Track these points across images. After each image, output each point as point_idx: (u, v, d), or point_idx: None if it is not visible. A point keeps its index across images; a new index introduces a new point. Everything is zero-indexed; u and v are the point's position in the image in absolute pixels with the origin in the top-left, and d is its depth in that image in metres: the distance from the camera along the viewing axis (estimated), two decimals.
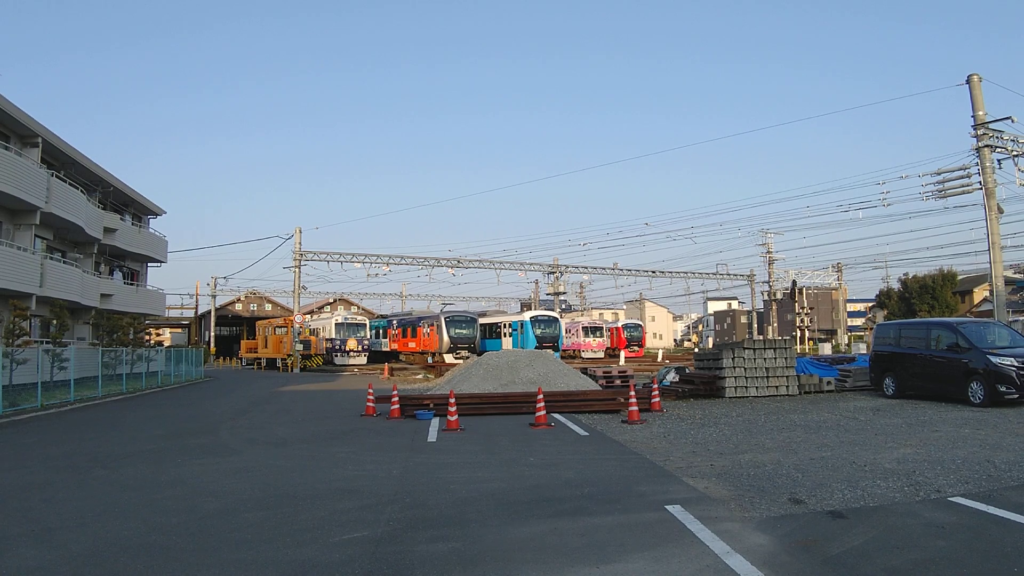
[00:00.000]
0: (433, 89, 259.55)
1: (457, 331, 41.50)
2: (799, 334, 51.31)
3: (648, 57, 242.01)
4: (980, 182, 22.82)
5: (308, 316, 53.83)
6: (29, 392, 17.42)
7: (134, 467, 8.75)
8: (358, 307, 77.75)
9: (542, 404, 12.28)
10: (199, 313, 66.41)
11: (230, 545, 5.23)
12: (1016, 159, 22.90)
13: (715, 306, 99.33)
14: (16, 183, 21.14)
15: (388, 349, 48.40)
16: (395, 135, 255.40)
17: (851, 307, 70.63)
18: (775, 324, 62.05)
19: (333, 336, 42.84)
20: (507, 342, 43.44)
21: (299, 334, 40.29)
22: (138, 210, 35.99)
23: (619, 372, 20.58)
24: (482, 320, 46.09)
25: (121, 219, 32.55)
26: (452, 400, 12.27)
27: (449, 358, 39.40)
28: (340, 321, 44.67)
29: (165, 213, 38.02)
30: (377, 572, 4.55)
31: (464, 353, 39.81)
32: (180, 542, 5.32)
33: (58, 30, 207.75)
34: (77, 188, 25.90)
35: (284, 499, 6.76)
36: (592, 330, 50.65)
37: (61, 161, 26.30)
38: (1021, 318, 37.52)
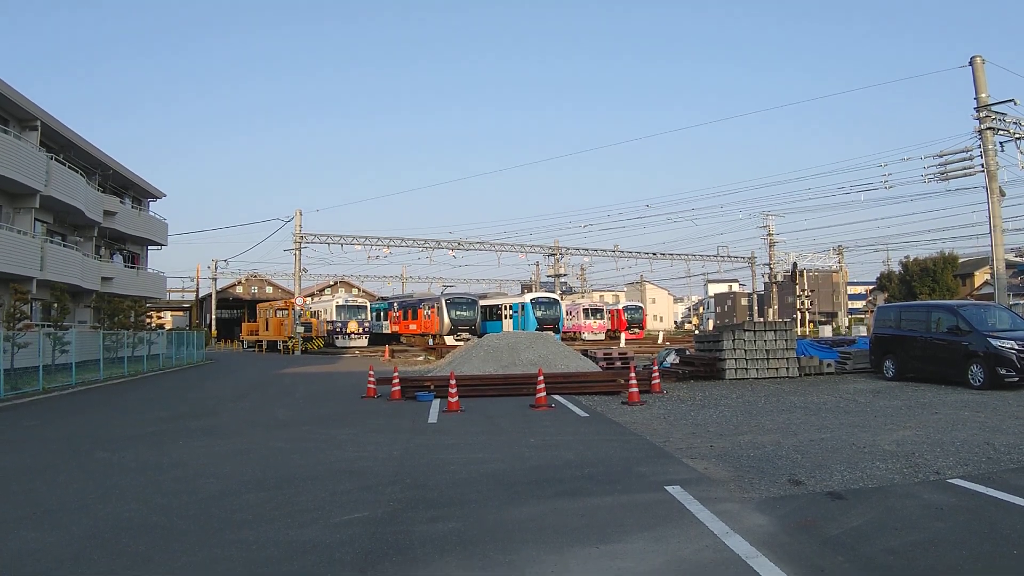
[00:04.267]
0: (433, 71, 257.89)
1: (458, 313, 41.53)
2: (799, 316, 51.29)
3: (646, 38, 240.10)
4: (982, 165, 22.70)
5: (309, 298, 53.84)
6: (31, 375, 17.47)
7: (135, 449, 8.78)
8: (359, 289, 77.69)
9: (542, 386, 12.29)
10: (200, 296, 66.53)
11: (231, 526, 5.25)
12: (1018, 142, 22.73)
13: (716, 288, 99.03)
14: (16, 167, 21.05)
15: (389, 331, 48.46)
16: (396, 116, 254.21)
17: (852, 290, 70.68)
18: (776, 306, 62.03)
19: (334, 318, 42.90)
20: (508, 324, 43.49)
21: (300, 316, 40.37)
22: (138, 193, 35.86)
23: (619, 354, 20.63)
24: (483, 302, 46.08)
25: (121, 202, 32.47)
26: (453, 382, 12.30)
27: (450, 340, 39.45)
28: (341, 303, 44.68)
29: (165, 196, 37.92)
30: (377, 552, 4.57)
31: (465, 335, 39.82)
32: (181, 523, 5.35)
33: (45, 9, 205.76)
34: (77, 171, 25.79)
35: (285, 480, 6.79)
36: (593, 312, 50.72)
37: (60, 144, 26.16)
38: (1022, 301, 37.49)
